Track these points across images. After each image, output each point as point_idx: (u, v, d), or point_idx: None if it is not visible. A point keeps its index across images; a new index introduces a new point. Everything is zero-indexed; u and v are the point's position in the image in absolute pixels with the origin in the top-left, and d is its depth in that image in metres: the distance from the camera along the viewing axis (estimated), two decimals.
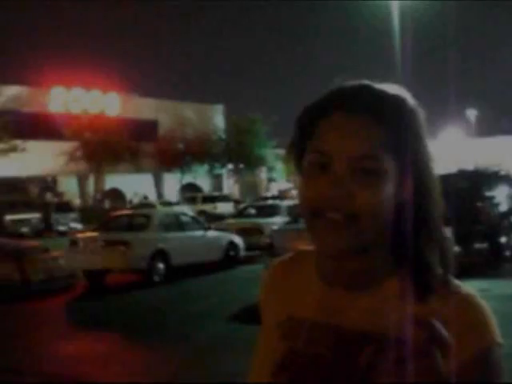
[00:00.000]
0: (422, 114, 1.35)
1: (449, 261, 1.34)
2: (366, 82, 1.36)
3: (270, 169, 73.91)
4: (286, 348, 1.38)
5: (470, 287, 1.33)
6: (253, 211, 27.31)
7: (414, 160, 1.31)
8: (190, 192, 60.23)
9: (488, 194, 19.40)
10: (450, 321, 1.23)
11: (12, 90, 58.34)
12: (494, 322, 1.28)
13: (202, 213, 41.17)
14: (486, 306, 1.30)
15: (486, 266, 17.45)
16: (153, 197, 62.19)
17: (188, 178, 65.41)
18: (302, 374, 1.34)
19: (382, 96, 1.32)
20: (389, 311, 1.28)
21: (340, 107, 1.32)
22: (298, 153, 1.39)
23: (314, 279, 1.42)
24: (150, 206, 45.69)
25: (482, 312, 1.28)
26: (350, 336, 1.31)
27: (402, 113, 1.31)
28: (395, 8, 32.43)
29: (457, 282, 1.33)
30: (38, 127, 58.22)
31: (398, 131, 1.29)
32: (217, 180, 72.90)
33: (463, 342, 1.23)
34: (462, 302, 1.28)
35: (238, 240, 20.98)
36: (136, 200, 57.12)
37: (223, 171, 70.03)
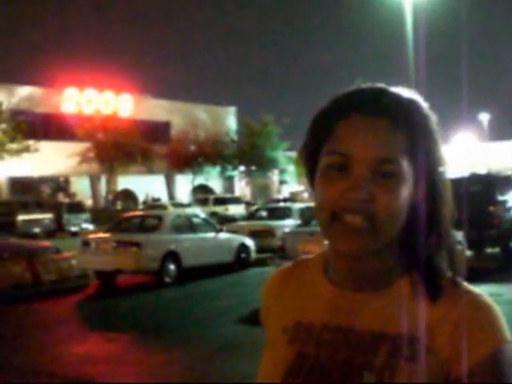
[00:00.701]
0: (435, 118, 1.36)
1: (458, 263, 1.36)
2: (382, 85, 1.37)
3: (282, 171, 73.82)
4: (295, 353, 1.38)
5: (479, 289, 1.33)
6: (264, 213, 27.28)
7: (428, 164, 1.32)
8: (201, 193, 60.29)
9: (500, 198, 19.33)
10: (459, 321, 1.26)
11: (25, 91, 58.54)
12: (503, 321, 1.29)
13: (213, 214, 41.18)
14: (495, 305, 1.30)
15: (498, 270, 17.38)
16: (164, 198, 62.29)
17: (200, 180, 65.43)
18: (314, 377, 1.33)
19: (399, 100, 1.33)
20: (399, 312, 1.29)
21: (359, 109, 1.32)
22: (311, 154, 1.39)
23: (322, 283, 1.43)
24: (162, 207, 45.76)
25: (490, 311, 1.28)
26: (362, 337, 1.32)
27: (417, 117, 1.32)
28: (408, 11, 32.36)
29: (466, 283, 1.34)
30: (51, 128, 58.42)
31: (413, 135, 1.30)
32: (228, 182, 72.91)
33: (474, 342, 1.24)
34: (470, 303, 1.28)
35: (250, 242, 20.97)
36: (150, 201, 57.22)
37: (235, 173, 69.98)
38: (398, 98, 1.33)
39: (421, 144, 1.30)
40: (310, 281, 1.46)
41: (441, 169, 1.35)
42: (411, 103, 1.34)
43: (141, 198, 61.71)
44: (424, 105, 1.36)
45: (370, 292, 1.35)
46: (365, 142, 1.29)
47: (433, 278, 1.31)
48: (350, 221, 1.27)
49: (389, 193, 1.27)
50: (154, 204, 51.72)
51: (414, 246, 1.33)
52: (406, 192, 1.29)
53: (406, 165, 1.29)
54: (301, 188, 76.81)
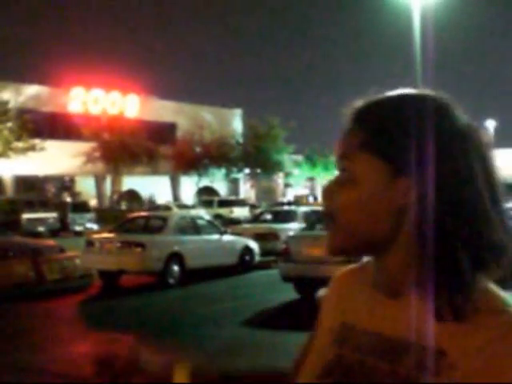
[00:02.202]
0: (416, 115, 1.27)
1: (505, 269, 1.27)
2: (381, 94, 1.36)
3: (287, 174, 73.84)
4: (334, 353, 1.38)
5: None
6: (269, 216, 27.27)
7: (414, 162, 1.25)
8: (206, 195, 60.26)
9: (505, 206, 19.30)
10: (491, 342, 1.17)
11: (32, 90, 58.67)
12: None
13: (217, 217, 41.19)
14: None
15: (498, 281, 17.32)
16: (168, 199, 62.35)
17: (205, 182, 65.45)
18: (345, 379, 1.33)
19: (370, 102, 1.34)
20: (430, 324, 1.23)
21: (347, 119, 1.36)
22: None
23: (367, 287, 1.41)
24: (166, 208, 45.83)
25: None
26: (389, 344, 1.29)
27: (378, 115, 1.30)
28: (416, 16, 32.36)
29: (506, 297, 1.25)
30: (57, 127, 58.55)
31: (381, 133, 1.28)
32: (233, 184, 72.95)
33: (507, 365, 1.15)
34: (506, 323, 1.19)
35: (254, 245, 20.97)
36: (160, 201, 57.30)
37: (240, 175, 70.03)
38: (372, 102, 1.34)
39: (389, 141, 1.26)
40: (361, 283, 1.45)
41: (436, 167, 1.24)
42: (378, 102, 1.33)
43: (152, 198, 61.93)
44: (401, 102, 1.31)
45: (404, 299, 1.30)
46: (337, 145, 1.34)
47: (462, 291, 1.21)
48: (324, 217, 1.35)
49: (343, 189, 1.29)
50: (156, 205, 51.88)
51: (433, 252, 1.24)
52: (369, 189, 1.27)
53: (368, 162, 1.28)
54: (306, 191, 76.88)
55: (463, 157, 1.25)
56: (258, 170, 66.87)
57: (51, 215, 40.32)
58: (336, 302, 1.50)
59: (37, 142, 48.77)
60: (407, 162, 1.24)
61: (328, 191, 1.32)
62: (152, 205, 54.40)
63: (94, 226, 41.63)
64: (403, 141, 1.25)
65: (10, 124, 48.15)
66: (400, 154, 1.25)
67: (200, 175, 63.69)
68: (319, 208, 32.19)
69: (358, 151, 1.29)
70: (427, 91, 1.33)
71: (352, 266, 1.55)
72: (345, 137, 1.33)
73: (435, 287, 1.23)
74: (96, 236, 19.50)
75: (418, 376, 1.21)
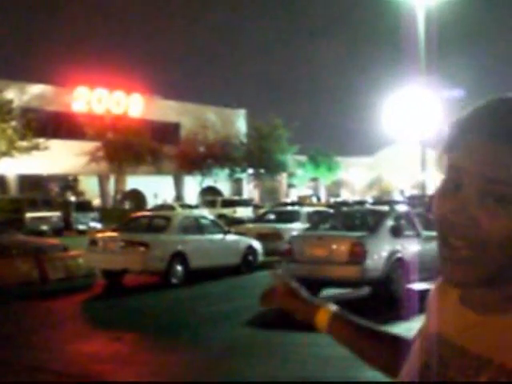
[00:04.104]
0: None
1: None
2: (500, 103, 1.22)
3: (290, 174, 73.87)
4: (423, 360, 1.37)
5: None
6: (272, 216, 27.25)
7: None
8: (209, 195, 60.34)
9: None
10: None
11: (36, 89, 58.76)
12: None
13: (221, 216, 41.25)
14: None
15: None
16: (170, 198, 62.43)
17: (208, 182, 65.51)
18: None
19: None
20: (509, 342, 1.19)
21: (483, 132, 1.18)
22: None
23: (457, 298, 1.36)
24: (170, 208, 45.88)
25: None
26: (470, 360, 1.25)
27: None
28: (420, 17, 32.37)
29: None
30: (61, 126, 58.56)
31: None
32: (237, 184, 72.96)
33: None
34: None
35: (257, 245, 20.95)
36: (169, 201, 57.38)
37: (243, 176, 70.03)
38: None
39: None
40: (448, 295, 1.40)
41: None
42: None
43: (149, 198, 61.95)
44: None
45: (492, 315, 1.25)
46: (479, 162, 1.17)
47: None
48: (453, 244, 1.20)
49: (499, 218, 1.14)
50: (161, 205, 51.97)
51: None
52: None
53: None
54: (309, 192, 76.92)
55: None
56: (262, 170, 66.90)
57: (55, 214, 40.36)
58: (434, 310, 1.44)
59: (41, 141, 48.79)
60: None
61: (470, 217, 1.16)
62: (164, 203, 54.47)
63: (98, 225, 41.71)
64: None
65: (13, 123, 48.21)
66: None
67: (203, 175, 63.75)
68: (322, 208, 32.31)
69: None
70: None
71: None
72: (498, 158, 1.14)
73: None
74: (99, 235, 19.49)
75: None
